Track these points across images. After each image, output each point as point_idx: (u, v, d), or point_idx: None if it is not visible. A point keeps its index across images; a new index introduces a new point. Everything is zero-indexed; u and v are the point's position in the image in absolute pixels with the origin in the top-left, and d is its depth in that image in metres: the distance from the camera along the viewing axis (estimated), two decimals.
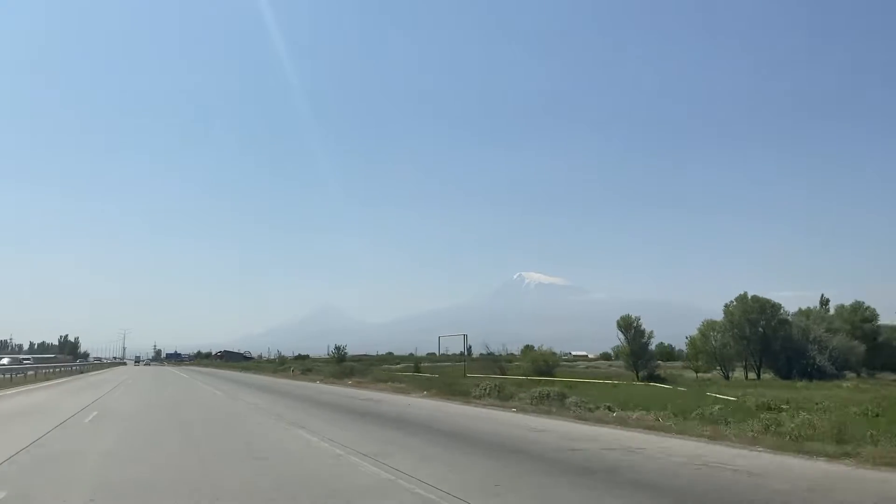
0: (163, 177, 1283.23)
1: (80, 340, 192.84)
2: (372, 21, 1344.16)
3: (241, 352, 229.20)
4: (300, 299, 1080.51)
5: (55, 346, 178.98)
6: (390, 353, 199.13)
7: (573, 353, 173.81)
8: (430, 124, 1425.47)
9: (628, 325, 52.75)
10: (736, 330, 53.12)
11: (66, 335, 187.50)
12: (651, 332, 52.39)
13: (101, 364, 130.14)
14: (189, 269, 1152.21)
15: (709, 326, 55.56)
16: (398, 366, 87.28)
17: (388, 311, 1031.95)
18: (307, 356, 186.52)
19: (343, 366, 51.30)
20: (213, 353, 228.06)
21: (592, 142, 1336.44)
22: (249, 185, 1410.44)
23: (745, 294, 54.62)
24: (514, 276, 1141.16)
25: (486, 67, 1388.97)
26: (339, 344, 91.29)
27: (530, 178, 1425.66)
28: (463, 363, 50.65)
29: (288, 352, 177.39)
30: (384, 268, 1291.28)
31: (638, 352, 51.76)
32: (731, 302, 55.21)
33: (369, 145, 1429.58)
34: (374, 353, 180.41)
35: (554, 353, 56.82)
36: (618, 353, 55.25)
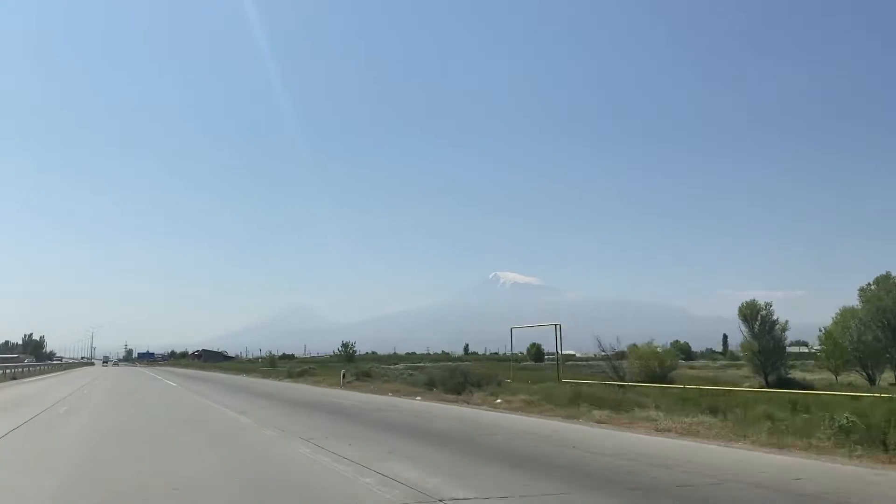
0: (139, 175, 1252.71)
1: (48, 340, 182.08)
2: (357, 21, 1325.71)
3: (220, 351, 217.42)
4: (269, 299, 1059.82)
5: (20, 345, 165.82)
6: (374, 353, 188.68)
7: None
8: (407, 125, 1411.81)
9: (754, 314, 42.16)
10: (884, 320, 42.93)
11: (31, 334, 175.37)
12: (786, 322, 41.73)
13: (60, 364, 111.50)
14: (160, 268, 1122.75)
15: (848, 315, 44.76)
16: (398, 366, 77.69)
17: (361, 310, 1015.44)
18: (292, 355, 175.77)
19: (442, 370, 33.57)
20: (190, 352, 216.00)
21: (570, 144, 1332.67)
22: (227, 184, 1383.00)
23: (889, 274, 44.55)
24: (490, 276, 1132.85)
25: (461, 67, 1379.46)
26: (309, 343, 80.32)
27: (506, 179, 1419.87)
28: (556, 364, 38.20)
29: (263, 351, 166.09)
30: (356, 267, 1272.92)
31: (769, 349, 41.20)
32: (870, 285, 45.10)
33: (346, 145, 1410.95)
34: (357, 354, 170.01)
35: (674, 354, 44.41)
36: (742, 352, 44.32)
